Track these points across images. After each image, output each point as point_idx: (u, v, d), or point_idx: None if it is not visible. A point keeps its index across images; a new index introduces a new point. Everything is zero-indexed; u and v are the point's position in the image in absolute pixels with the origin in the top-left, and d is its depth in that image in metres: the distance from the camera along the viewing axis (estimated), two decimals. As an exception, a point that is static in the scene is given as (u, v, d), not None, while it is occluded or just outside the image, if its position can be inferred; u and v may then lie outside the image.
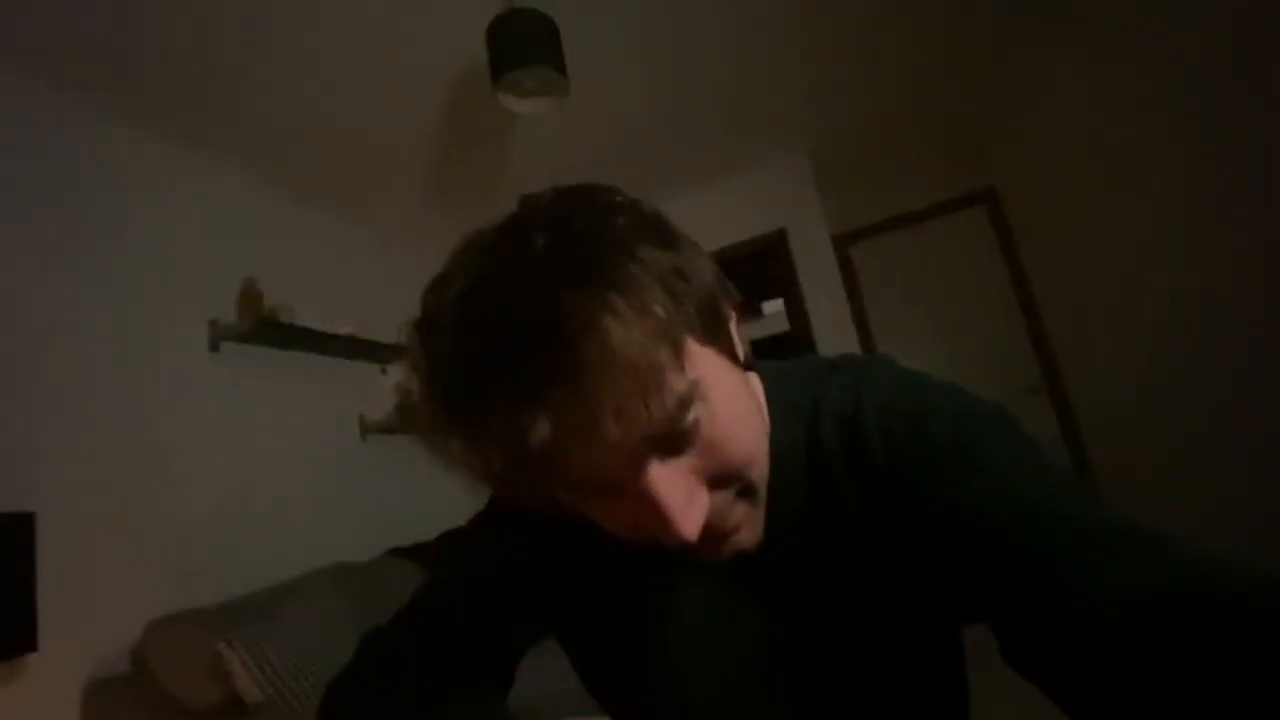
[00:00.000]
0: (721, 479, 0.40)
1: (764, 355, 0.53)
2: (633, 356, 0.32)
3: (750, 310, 4.50)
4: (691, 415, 0.36)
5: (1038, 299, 3.14)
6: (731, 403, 0.40)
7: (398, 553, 2.32)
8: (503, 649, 0.56)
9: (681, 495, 0.37)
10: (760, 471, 0.43)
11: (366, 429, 2.58)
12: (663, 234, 0.39)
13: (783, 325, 3.80)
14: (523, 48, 1.66)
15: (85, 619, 1.54)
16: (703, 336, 0.39)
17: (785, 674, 0.49)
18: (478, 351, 0.34)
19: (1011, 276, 3.25)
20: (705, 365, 0.38)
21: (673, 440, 0.37)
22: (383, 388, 2.64)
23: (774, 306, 3.98)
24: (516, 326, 0.33)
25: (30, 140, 1.70)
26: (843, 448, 0.47)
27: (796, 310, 3.11)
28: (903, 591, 0.46)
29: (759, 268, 3.46)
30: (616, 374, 0.32)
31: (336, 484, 2.39)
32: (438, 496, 2.89)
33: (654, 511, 0.36)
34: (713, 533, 0.40)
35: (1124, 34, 1.88)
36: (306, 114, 2.11)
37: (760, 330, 4.92)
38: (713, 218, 3.15)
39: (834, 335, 2.97)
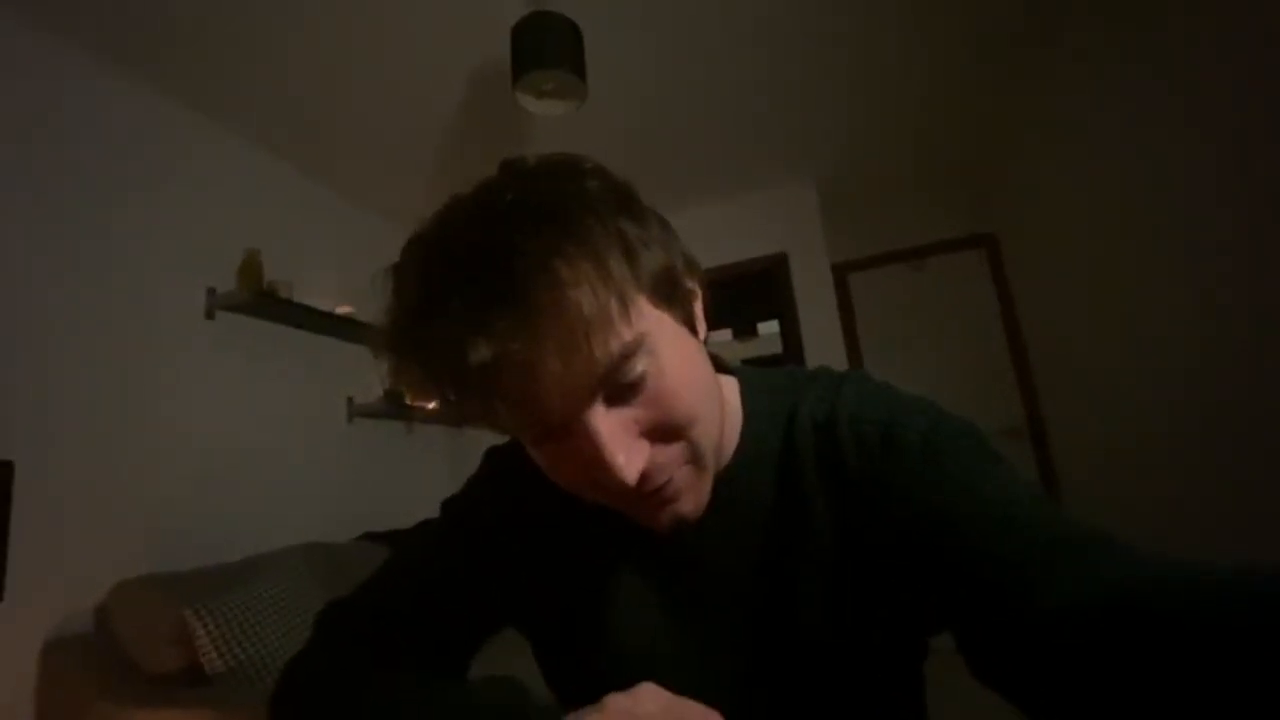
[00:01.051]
0: (664, 433, 0.40)
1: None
2: (580, 299, 0.34)
3: (746, 330, 4.54)
4: (637, 367, 0.38)
5: (1027, 345, 3.19)
6: (681, 365, 0.41)
7: (372, 537, 2.32)
8: (461, 634, 0.55)
9: (622, 438, 0.38)
10: (707, 437, 0.43)
11: (354, 412, 2.58)
12: (630, 205, 0.41)
13: (777, 347, 3.84)
14: (545, 50, 1.69)
15: (54, 574, 1.54)
16: (656, 300, 0.40)
17: (741, 674, 0.49)
18: (434, 279, 0.36)
19: (1004, 321, 3.29)
20: (656, 325, 0.40)
21: (618, 389, 0.38)
22: (374, 372, 2.63)
23: (770, 328, 4.01)
24: (472, 260, 0.35)
25: (38, 94, 1.69)
26: (815, 453, 0.48)
27: (791, 333, 3.14)
28: (865, 598, 0.46)
29: (759, 288, 3.50)
30: (561, 313, 0.34)
31: (319, 463, 2.39)
32: (418, 484, 2.89)
33: (595, 453, 0.38)
34: (653, 488, 0.41)
35: (1122, 91, 1.94)
36: (326, 93, 2.13)
37: (755, 350, 4.96)
38: (717, 235, 3.19)
39: (825, 360, 2.99)
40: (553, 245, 0.34)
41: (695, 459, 0.43)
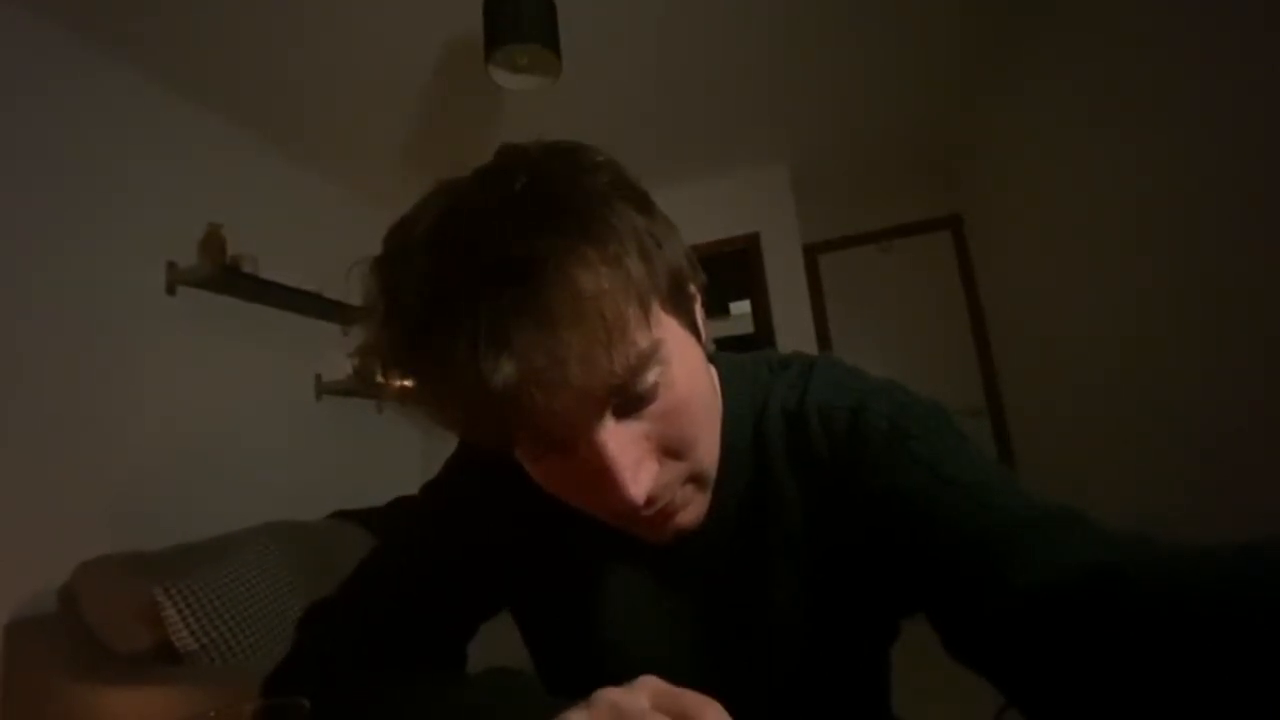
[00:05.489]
0: (672, 450, 0.39)
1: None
2: (601, 307, 0.32)
3: (718, 309, 4.56)
4: (651, 376, 0.36)
5: (989, 326, 3.29)
6: (690, 375, 0.40)
7: (343, 515, 2.31)
8: (454, 623, 0.54)
9: (632, 456, 0.37)
10: (709, 454, 0.43)
11: (322, 389, 2.55)
12: (641, 200, 0.39)
13: (748, 327, 3.88)
14: (520, 23, 1.65)
15: (15, 556, 1.50)
16: (669, 305, 0.39)
17: (713, 659, 0.49)
18: (444, 287, 0.32)
19: (967, 301, 3.39)
20: (669, 332, 0.38)
21: (630, 399, 0.36)
22: (341, 349, 2.61)
23: (741, 308, 4.05)
24: (486, 265, 0.32)
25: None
26: (786, 441, 0.48)
27: (762, 313, 3.19)
28: (839, 583, 0.47)
29: (730, 269, 3.53)
30: (583, 322, 0.32)
31: (287, 442, 2.36)
32: (388, 462, 2.88)
33: (603, 470, 0.36)
34: (657, 506, 0.40)
35: (1086, 83, 1.99)
36: (292, 65, 2.06)
37: (726, 330, 5.00)
38: (689, 215, 3.15)
39: (795, 340, 3.06)
40: (570, 247, 0.32)
41: (696, 478, 0.43)
